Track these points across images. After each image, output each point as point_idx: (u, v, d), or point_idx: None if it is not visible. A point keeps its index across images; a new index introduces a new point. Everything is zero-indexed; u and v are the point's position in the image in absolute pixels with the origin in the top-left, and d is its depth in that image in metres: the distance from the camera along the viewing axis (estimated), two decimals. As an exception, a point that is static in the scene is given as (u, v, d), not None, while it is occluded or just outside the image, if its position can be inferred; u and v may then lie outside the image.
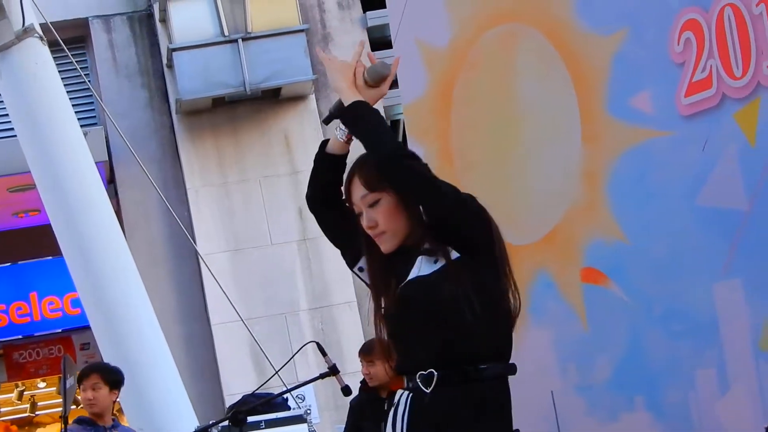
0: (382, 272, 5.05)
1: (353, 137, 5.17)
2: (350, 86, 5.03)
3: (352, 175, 5.00)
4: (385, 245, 4.90)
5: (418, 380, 4.90)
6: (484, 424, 4.78)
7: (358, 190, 4.89)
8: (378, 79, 5.46)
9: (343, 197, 5.18)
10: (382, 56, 17.79)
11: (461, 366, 4.79)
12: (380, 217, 4.84)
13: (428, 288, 4.84)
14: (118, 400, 11.79)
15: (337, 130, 5.19)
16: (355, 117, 4.89)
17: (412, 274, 4.93)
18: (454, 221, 4.80)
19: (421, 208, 4.85)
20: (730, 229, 8.50)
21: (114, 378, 11.01)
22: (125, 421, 14.40)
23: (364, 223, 4.93)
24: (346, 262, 5.29)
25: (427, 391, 4.84)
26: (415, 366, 4.95)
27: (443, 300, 4.81)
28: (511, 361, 5.26)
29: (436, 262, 4.89)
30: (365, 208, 4.90)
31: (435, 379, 4.82)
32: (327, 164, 5.15)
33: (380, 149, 4.78)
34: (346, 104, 4.97)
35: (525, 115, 9.71)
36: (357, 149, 5.37)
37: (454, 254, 4.88)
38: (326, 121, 5.49)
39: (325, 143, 5.20)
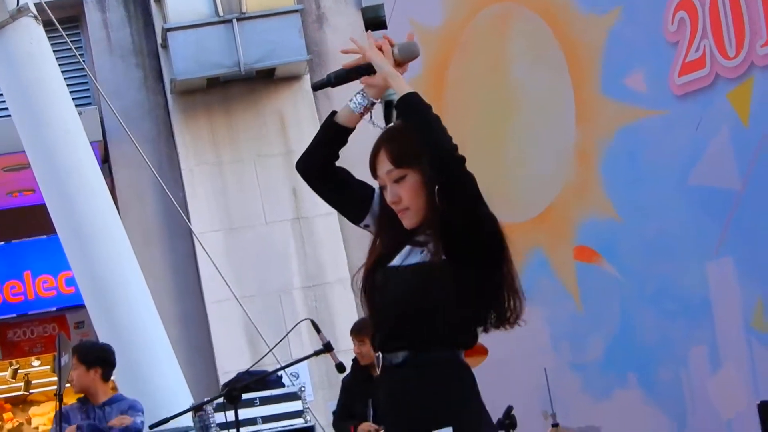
0: (377, 251, 5.05)
1: (370, 112, 5.16)
2: (397, 72, 5.01)
3: (379, 148, 4.95)
4: (408, 221, 4.88)
5: (376, 360, 4.93)
6: (439, 406, 4.79)
7: (384, 165, 4.86)
8: (410, 57, 5.46)
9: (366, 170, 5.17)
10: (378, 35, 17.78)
11: (421, 347, 4.79)
12: (404, 194, 4.81)
13: (401, 277, 4.84)
14: (112, 378, 11.77)
15: (353, 101, 5.14)
16: (416, 108, 4.85)
17: (396, 261, 4.95)
18: (475, 230, 4.78)
19: (448, 206, 4.82)
20: (723, 208, 8.54)
21: (89, 357, 11.01)
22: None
23: (388, 197, 4.90)
24: (350, 220, 5.27)
25: (380, 371, 4.87)
26: (376, 344, 4.97)
27: (408, 293, 4.81)
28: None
29: (422, 253, 4.90)
30: (390, 183, 4.86)
31: (382, 361, 4.84)
32: (332, 134, 5.12)
33: (443, 146, 4.75)
34: (400, 92, 4.92)
35: (519, 96, 9.73)
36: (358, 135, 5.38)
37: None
38: (317, 86, 5.46)
39: (334, 113, 5.18)
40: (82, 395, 11.16)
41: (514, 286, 5.00)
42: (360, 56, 5.23)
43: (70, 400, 11.80)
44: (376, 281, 4.99)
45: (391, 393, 4.93)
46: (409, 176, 4.89)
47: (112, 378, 11.67)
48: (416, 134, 4.92)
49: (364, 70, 5.21)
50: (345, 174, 5.27)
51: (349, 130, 5.23)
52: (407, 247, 4.98)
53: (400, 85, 4.98)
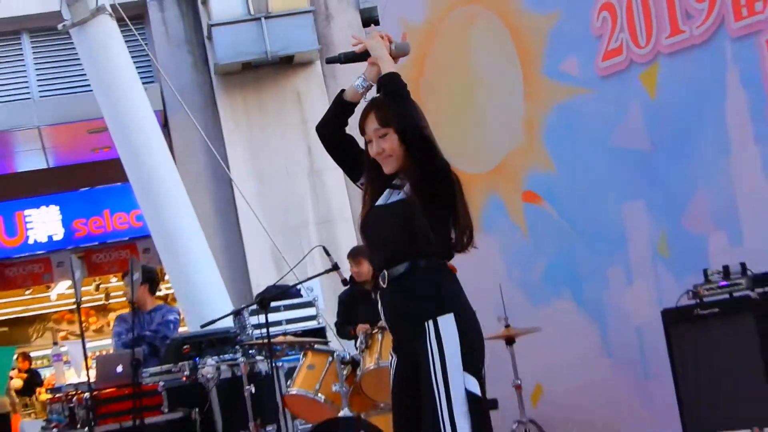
0: (371, 192, 5.08)
1: (369, 90, 5.23)
2: (390, 57, 5.05)
3: (368, 111, 5.01)
4: (388, 167, 4.92)
5: (380, 279, 4.96)
6: (432, 298, 4.82)
7: (372, 124, 4.91)
8: (402, 53, 5.50)
9: (353, 127, 5.21)
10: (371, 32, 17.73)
11: (408, 260, 4.82)
12: (386, 146, 4.85)
13: (384, 213, 4.88)
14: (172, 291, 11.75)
15: (356, 83, 5.19)
16: (396, 85, 4.88)
17: (381, 201, 4.99)
18: (432, 179, 4.81)
19: (413, 163, 4.87)
20: (635, 163, 8.55)
21: (143, 275, 11.04)
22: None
23: (374, 149, 4.95)
24: (351, 179, 5.32)
25: (384, 285, 4.91)
26: (379, 265, 5.00)
27: (392, 222, 4.83)
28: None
29: (399, 193, 4.93)
30: (375, 139, 4.92)
31: (386, 276, 4.87)
32: (342, 107, 5.17)
33: (410, 118, 4.79)
34: (385, 71, 4.96)
35: (480, 77, 9.74)
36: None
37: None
38: (329, 60, 5.51)
39: (342, 91, 5.24)
40: (136, 305, 11.17)
41: (466, 217, 5.03)
42: (363, 45, 5.25)
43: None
44: (369, 219, 5.01)
45: (396, 297, 4.93)
46: (390, 134, 4.95)
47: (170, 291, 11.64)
48: (390, 104, 4.96)
49: (365, 56, 5.24)
50: (352, 142, 5.30)
51: (354, 105, 5.27)
52: (387, 191, 5.02)
53: (386, 65, 5.02)
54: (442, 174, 4.97)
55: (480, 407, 4.79)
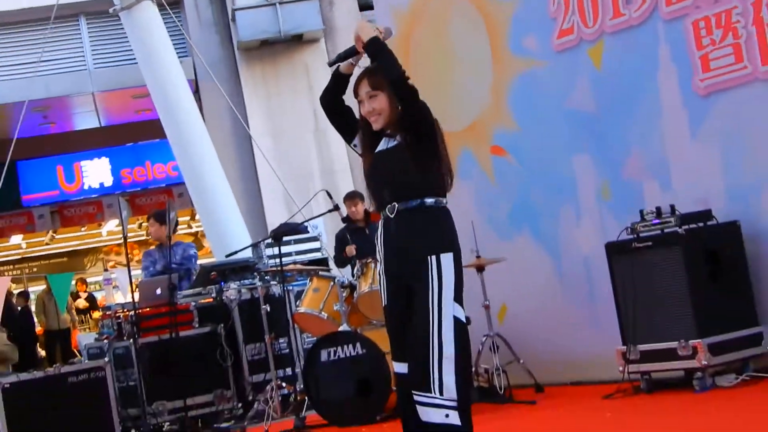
0: (368, 146, 5.03)
1: (358, 62, 5.18)
2: (370, 27, 5.02)
3: (362, 77, 4.97)
4: (377, 124, 4.87)
5: (387, 211, 4.92)
6: (436, 236, 4.78)
7: (364, 87, 4.85)
8: (387, 36, 5.44)
9: (350, 92, 5.16)
10: (368, 14, 17.65)
11: (416, 197, 4.79)
12: (375, 105, 4.80)
13: (386, 155, 4.83)
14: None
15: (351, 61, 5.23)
16: (378, 44, 4.85)
17: (381, 147, 4.93)
18: (417, 116, 4.77)
19: (402, 106, 4.83)
20: (584, 122, 8.51)
21: (160, 218, 11.00)
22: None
23: (365, 108, 4.92)
24: (345, 141, 5.28)
25: (392, 216, 4.87)
26: (382, 203, 4.96)
27: (394, 162, 4.80)
28: (449, 206, 5.24)
29: (394, 141, 4.89)
30: (367, 99, 4.87)
31: (396, 208, 4.83)
32: (339, 79, 5.13)
33: (396, 70, 4.74)
34: (367, 38, 4.92)
35: (456, 52, 9.66)
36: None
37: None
38: (331, 63, 5.45)
39: (338, 67, 5.20)
40: (157, 243, 11.15)
41: (448, 162, 4.98)
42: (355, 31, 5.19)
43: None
44: (375, 163, 4.95)
45: (403, 229, 4.86)
46: (380, 95, 4.88)
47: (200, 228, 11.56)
48: (379, 64, 4.92)
49: (354, 50, 5.16)
50: (348, 110, 5.25)
51: (348, 76, 5.22)
52: (384, 139, 4.96)
53: (369, 33, 4.94)
54: (424, 112, 4.92)
55: (464, 330, 4.77)
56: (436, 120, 5.00)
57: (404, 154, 4.87)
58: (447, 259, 4.78)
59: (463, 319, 4.80)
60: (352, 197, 11.15)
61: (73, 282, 23.37)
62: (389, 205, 4.92)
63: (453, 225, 4.93)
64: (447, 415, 4.68)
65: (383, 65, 4.92)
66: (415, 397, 4.73)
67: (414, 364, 4.76)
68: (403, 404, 4.92)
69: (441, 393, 4.67)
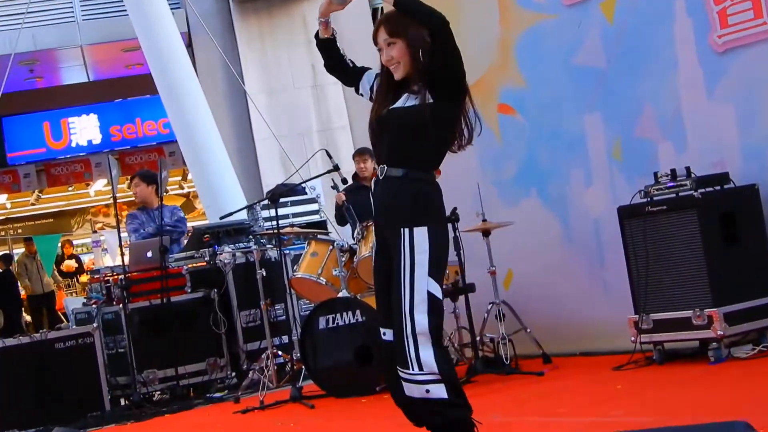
0: (383, 95, 5.00)
1: (329, 24, 5.20)
2: None
3: (379, 25, 4.92)
4: (397, 74, 4.81)
5: (378, 170, 4.89)
6: (412, 207, 4.76)
7: (382, 35, 4.80)
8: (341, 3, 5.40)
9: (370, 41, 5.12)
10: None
11: (406, 165, 4.76)
12: (395, 53, 4.74)
13: (403, 114, 4.80)
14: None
15: (318, 21, 5.23)
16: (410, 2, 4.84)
17: (399, 104, 4.89)
18: (450, 63, 4.75)
19: (437, 55, 4.79)
20: (595, 79, 8.49)
21: (147, 178, 11.01)
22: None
23: (384, 57, 4.87)
24: (352, 88, 5.26)
25: (380, 178, 4.84)
26: (380, 160, 4.94)
27: (403, 124, 4.77)
28: (452, 164, 5.20)
29: (416, 98, 4.85)
30: (386, 47, 4.81)
31: (385, 171, 4.80)
32: (323, 44, 5.14)
33: (435, 17, 4.72)
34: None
35: (463, 8, 9.58)
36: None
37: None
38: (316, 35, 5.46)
39: (317, 34, 5.20)
40: (141, 204, 11.13)
41: (468, 116, 4.95)
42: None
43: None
44: (385, 117, 4.91)
45: (386, 194, 4.86)
46: (398, 43, 4.84)
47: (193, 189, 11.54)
48: (414, 15, 4.87)
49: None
50: (349, 63, 5.24)
51: (328, 39, 5.23)
52: (405, 95, 4.91)
53: None
54: (458, 63, 4.89)
55: (438, 307, 4.74)
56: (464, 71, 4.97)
57: (417, 119, 4.82)
58: (421, 233, 4.73)
59: (439, 296, 4.75)
60: (362, 153, 11.10)
61: (60, 244, 23.43)
62: (380, 166, 4.91)
63: (435, 198, 4.87)
64: (427, 390, 4.67)
65: (420, 18, 4.88)
66: (399, 373, 4.74)
67: (395, 337, 4.77)
68: (390, 373, 4.92)
69: (420, 368, 4.67)
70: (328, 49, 5.32)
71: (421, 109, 4.81)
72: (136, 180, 11.29)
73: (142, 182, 11.10)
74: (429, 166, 4.90)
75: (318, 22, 5.30)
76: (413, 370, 4.67)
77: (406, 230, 4.74)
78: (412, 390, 4.70)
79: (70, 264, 23.59)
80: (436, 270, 4.77)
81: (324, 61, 5.37)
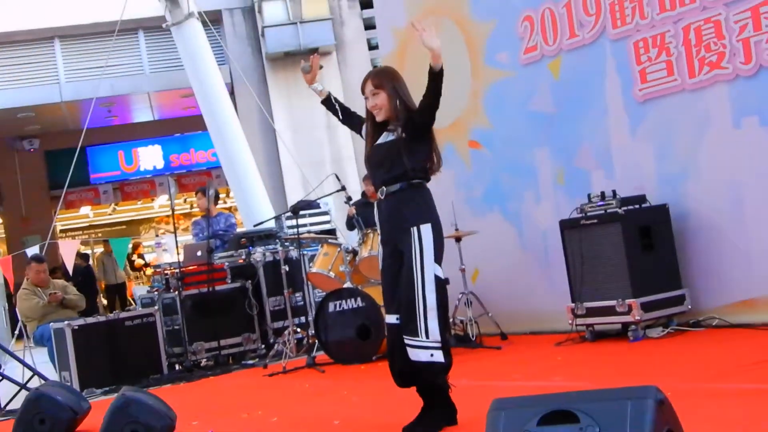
0: (371, 135, 5.00)
1: (320, 89, 5.26)
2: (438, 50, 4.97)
3: (367, 78, 4.94)
4: (379, 117, 4.84)
5: (379, 193, 4.91)
6: (417, 211, 4.76)
7: (369, 87, 4.81)
8: (305, 72, 5.41)
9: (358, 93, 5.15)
10: (371, 34, 17.59)
11: (399, 181, 4.78)
12: (378, 101, 4.78)
13: (385, 148, 4.81)
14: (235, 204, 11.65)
15: (314, 87, 5.23)
16: (439, 77, 4.79)
17: (381, 140, 4.91)
18: (419, 132, 4.74)
19: (412, 125, 4.82)
20: (544, 121, 8.48)
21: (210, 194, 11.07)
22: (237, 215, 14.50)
23: (369, 103, 4.91)
24: (355, 132, 5.26)
25: (382, 198, 4.86)
26: (376, 185, 4.95)
27: (388, 154, 4.77)
28: (434, 189, 5.20)
29: (394, 134, 4.87)
30: (371, 96, 4.84)
31: (385, 191, 4.82)
32: (326, 103, 5.18)
33: (431, 116, 4.67)
34: (437, 65, 4.86)
35: (444, 65, 9.56)
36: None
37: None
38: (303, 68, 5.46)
39: (321, 98, 5.23)
40: (203, 213, 11.13)
41: (438, 150, 4.95)
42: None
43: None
44: (373, 152, 4.92)
45: (391, 207, 4.86)
46: (381, 93, 4.85)
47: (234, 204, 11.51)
48: (426, 101, 4.84)
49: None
50: (352, 114, 5.27)
51: (325, 99, 5.35)
52: (385, 133, 4.92)
53: (439, 61, 4.91)
54: (425, 130, 4.89)
55: (441, 284, 4.77)
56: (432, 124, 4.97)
57: (397, 148, 4.84)
58: (426, 229, 4.77)
59: (442, 277, 4.79)
60: (368, 177, 11.07)
61: (130, 246, 23.55)
62: (380, 189, 4.92)
63: (431, 200, 4.91)
64: (432, 354, 4.69)
65: (429, 105, 4.84)
66: (406, 341, 4.72)
67: (404, 314, 4.75)
68: (390, 348, 4.93)
69: (427, 336, 4.68)
70: (330, 105, 5.38)
71: (398, 142, 4.83)
72: (198, 194, 11.32)
73: (202, 196, 11.13)
74: (420, 176, 4.91)
75: (316, 87, 5.35)
76: (422, 337, 4.68)
77: (415, 229, 4.77)
78: (418, 355, 4.70)
79: (139, 261, 23.62)
80: (439, 256, 4.81)
81: (335, 116, 5.39)
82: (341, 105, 5.40)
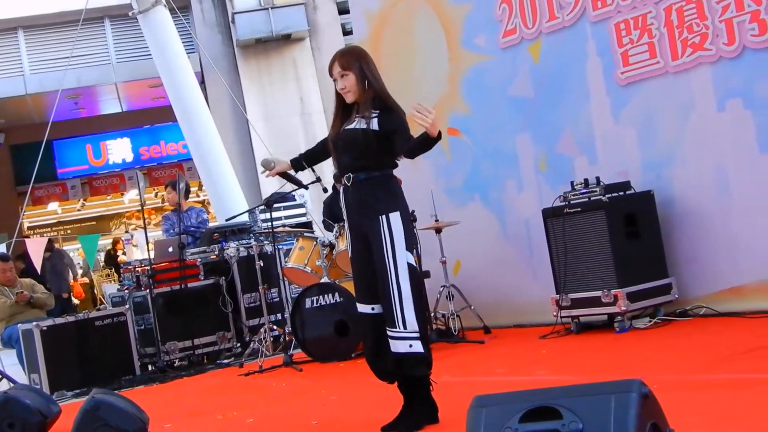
0: (339, 116, 4.99)
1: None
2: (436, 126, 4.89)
3: (334, 60, 4.92)
4: (348, 98, 4.83)
5: (345, 180, 4.91)
6: (385, 200, 4.76)
7: (336, 68, 4.81)
8: (265, 167, 5.43)
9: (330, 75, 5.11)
10: (345, 19, 17.60)
11: (367, 170, 4.77)
12: (346, 83, 4.76)
13: (354, 134, 4.79)
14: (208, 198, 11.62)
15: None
16: (431, 144, 4.71)
17: (350, 125, 4.89)
18: (400, 151, 4.76)
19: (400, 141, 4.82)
20: (524, 107, 8.48)
21: (176, 185, 11.01)
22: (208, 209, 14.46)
23: (338, 85, 4.89)
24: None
25: (349, 185, 4.85)
26: (341, 170, 4.95)
27: (359, 140, 4.76)
28: (409, 174, 5.21)
29: (364, 124, 4.85)
30: (339, 78, 4.82)
31: (352, 178, 4.82)
32: (302, 169, 5.26)
33: (415, 155, 4.67)
34: (433, 133, 4.79)
35: (418, 50, 9.58)
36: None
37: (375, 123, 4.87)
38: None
39: (294, 166, 5.28)
40: (173, 207, 11.09)
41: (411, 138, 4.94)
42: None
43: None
44: (341, 136, 4.91)
45: (357, 195, 4.86)
46: (349, 74, 4.85)
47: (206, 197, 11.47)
48: (418, 147, 4.77)
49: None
50: (323, 147, 5.29)
51: (297, 170, 5.47)
52: (357, 118, 4.91)
53: (435, 133, 4.70)
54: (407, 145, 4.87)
55: (415, 272, 4.79)
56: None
57: (368, 138, 4.84)
58: (395, 217, 4.79)
59: (414, 264, 4.81)
60: None
61: (109, 241, 23.68)
62: (347, 175, 4.92)
63: (398, 189, 4.92)
64: (411, 345, 4.71)
65: (411, 152, 4.81)
66: (388, 332, 4.75)
67: (384, 306, 4.78)
68: (365, 340, 4.96)
69: (405, 327, 4.71)
70: (309, 165, 5.38)
71: (368, 133, 4.82)
72: (168, 188, 11.26)
73: (172, 190, 11.07)
74: (387, 167, 4.91)
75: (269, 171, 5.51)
76: (399, 328, 4.71)
77: (384, 217, 4.78)
78: (398, 346, 4.73)
79: (123, 257, 23.56)
80: (410, 244, 4.83)
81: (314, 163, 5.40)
82: (308, 158, 5.35)
